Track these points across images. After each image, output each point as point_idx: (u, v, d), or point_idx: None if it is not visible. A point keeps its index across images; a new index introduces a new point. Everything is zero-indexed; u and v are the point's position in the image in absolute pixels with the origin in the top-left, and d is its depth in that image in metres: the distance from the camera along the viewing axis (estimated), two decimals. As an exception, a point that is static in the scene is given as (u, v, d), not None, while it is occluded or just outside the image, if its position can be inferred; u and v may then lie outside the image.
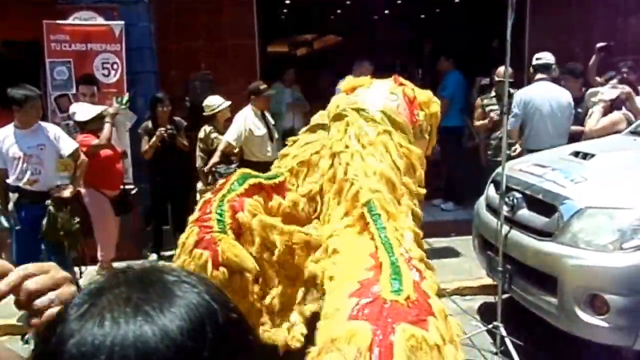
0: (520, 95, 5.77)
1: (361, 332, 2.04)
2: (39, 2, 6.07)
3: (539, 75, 5.85)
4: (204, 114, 6.24)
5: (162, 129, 6.10)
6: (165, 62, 6.53)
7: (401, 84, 3.86)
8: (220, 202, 3.11)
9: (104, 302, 0.64)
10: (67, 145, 4.84)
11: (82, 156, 4.96)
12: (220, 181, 6.06)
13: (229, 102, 6.26)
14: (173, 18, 6.51)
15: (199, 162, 6.21)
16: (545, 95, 5.71)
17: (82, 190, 5.69)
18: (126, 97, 5.99)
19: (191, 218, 3.14)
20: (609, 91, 5.74)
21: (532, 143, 5.66)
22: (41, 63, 6.31)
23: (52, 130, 4.85)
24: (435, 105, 3.85)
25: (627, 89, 5.65)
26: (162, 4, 6.44)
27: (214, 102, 6.22)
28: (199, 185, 6.26)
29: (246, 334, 0.69)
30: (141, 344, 0.60)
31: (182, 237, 3.07)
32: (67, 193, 4.77)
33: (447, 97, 7.27)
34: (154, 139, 6.05)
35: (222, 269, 2.80)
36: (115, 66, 6.21)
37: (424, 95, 3.83)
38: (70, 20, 6.19)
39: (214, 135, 6.20)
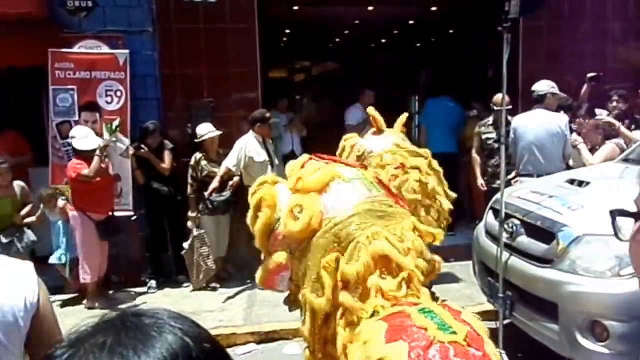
0: (512, 122, 5.94)
1: None
2: (45, 30, 6.17)
3: (535, 106, 5.99)
4: (195, 140, 6.36)
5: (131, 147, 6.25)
6: (168, 89, 6.63)
7: (364, 167, 3.31)
8: None
9: (81, 351, 0.68)
10: None
11: None
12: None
13: (216, 132, 6.34)
14: (177, 46, 6.62)
15: (188, 190, 6.31)
16: (532, 124, 5.85)
17: (72, 213, 5.80)
18: (116, 122, 6.09)
19: None
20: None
21: (522, 169, 5.87)
22: (44, 89, 6.40)
23: None
24: None
25: (615, 123, 5.84)
26: (166, 33, 6.55)
27: (201, 131, 6.32)
28: (190, 212, 6.31)
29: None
30: None
31: None
32: None
33: (422, 122, 8.01)
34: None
35: None
36: (118, 93, 6.30)
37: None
38: (75, 49, 6.30)
39: (203, 162, 6.29)
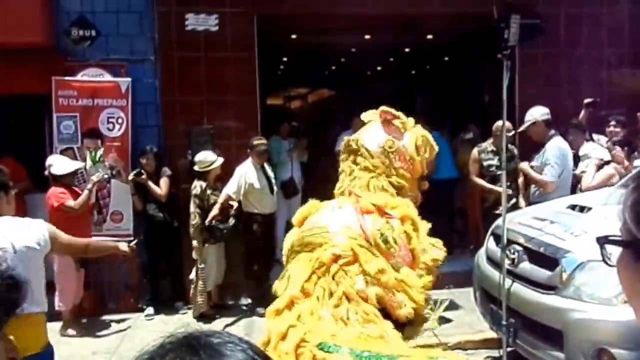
0: (559, 146, 5.77)
1: None
2: (49, 58, 6.24)
3: (552, 131, 5.90)
4: (194, 168, 6.26)
5: (131, 174, 6.25)
6: (169, 116, 6.67)
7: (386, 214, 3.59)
8: None
9: None
10: None
11: None
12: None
13: (221, 159, 6.31)
14: (178, 74, 6.68)
15: (196, 219, 6.11)
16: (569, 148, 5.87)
17: None
18: (100, 151, 6.09)
19: None
20: (601, 152, 5.94)
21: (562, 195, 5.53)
22: (48, 116, 6.44)
23: None
24: None
25: (619, 153, 5.89)
26: (167, 61, 6.62)
27: (208, 159, 6.24)
28: (194, 243, 6.16)
29: None
30: None
31: None
32: None
33: None
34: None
35: None
36: (120, 120, 6.35)
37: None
38: (78, 77, 6.36)
39: (208, 191, 6.23)
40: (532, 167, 5.97)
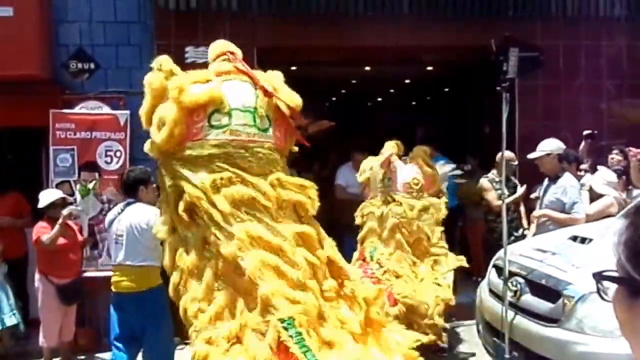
0: (574, 182, 5.82)
1: None
2: (48, 91, 6.26)
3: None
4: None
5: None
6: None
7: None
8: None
9: None
10: None
11: None
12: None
13: None
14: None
15: None
16: None
17: (36, 275, 5.64)
18: (92, 184, 5.97)
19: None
20: (607, 189, 5.89)
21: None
22: (45, 150, 6.43)
23: None
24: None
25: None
26: (167, 93, 6.64)
27: None
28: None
29: None
30: None
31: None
32: None
33: None
34: None
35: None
36: (118, 154, 6.32)
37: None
38: (77, 110, 6.37)
39: None
40: (536, 198, 5.95)
